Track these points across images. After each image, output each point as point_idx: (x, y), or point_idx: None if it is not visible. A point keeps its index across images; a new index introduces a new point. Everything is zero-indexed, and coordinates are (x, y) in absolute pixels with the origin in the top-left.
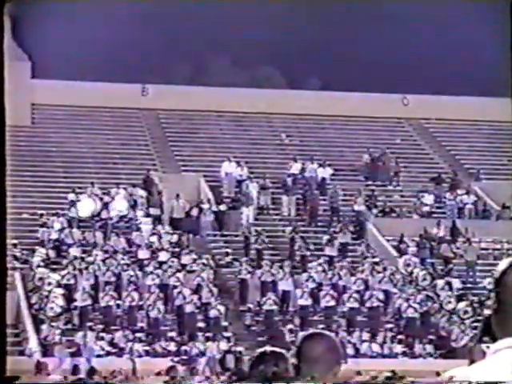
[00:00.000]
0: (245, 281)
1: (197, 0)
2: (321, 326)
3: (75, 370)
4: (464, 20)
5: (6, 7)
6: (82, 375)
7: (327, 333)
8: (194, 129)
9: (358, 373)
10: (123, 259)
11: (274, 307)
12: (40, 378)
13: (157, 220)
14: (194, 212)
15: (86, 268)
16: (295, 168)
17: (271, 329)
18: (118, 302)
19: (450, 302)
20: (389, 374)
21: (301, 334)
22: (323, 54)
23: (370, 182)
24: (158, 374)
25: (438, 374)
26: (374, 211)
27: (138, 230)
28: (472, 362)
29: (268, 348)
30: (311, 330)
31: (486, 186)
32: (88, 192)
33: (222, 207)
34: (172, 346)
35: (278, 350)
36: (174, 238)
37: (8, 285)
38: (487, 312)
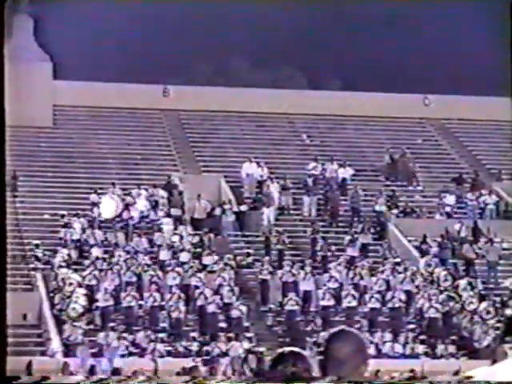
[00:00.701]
0: (266, 281)
1: (218, 1)
2: (342, 326)
3: (92, 370)
4: (482, 20)
5: (26, 8)
6: (100, 375)
7: (354, 331)
8: (215, 129)
9: (378, 372)
10: (144, 259)
11: (296, 307)
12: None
13: (178, 220)
14: (216, 212)
15: (108, 268)
16: (316, 168)
17: (293, 329)
18: (140, 302)
19: (471, 303)
20: (410, 374)
21: (327, 333)
22: (344, 54)
23: (391, 183)
24: (179, 373)
25: (456, 373)
26: (396, 211)
27: (160, 230)
28: (494, 362)
29: (287, 348)
30: (338, 328)
31: (507, 186)
32: (109, 193)
33: (243, 208)
34: (194, 346)
35: (297, 350)
36: (196, 238)
37: (30, 285)
38: (509, 312)
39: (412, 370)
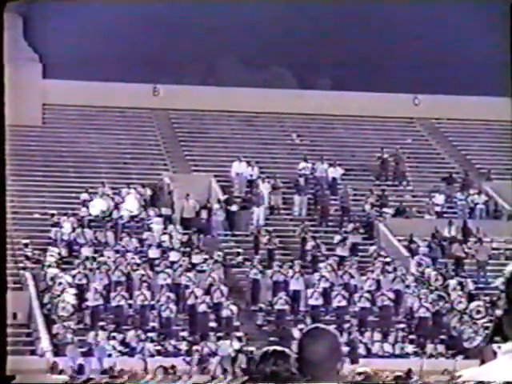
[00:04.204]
0: (256, 281)
1: (208, 1)
2: (332, 325)
3: (81, 370)
4: (474, 19)
5: (16, 7)
6: (88, 375)
7: (328, 328)
8: (205, 129)
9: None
10: (134, 259)
11: (286, 307)
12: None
13: (168, 220)
14: (205, 212)
15: (98, 268)
16: (306, 168)
17: (282, 328)
18: (130, 301)
19: (461, 302)
20: (400, 374)
21: (300, 334)
22: (334, 54)
23: (381, 182)
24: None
25: (444, 371)
26: (386, 211)
27: (149, 229)
28: (483, 362)
29: (270, 347)
30: (311, 326)
31: (497, 186)
32: (99, 192)
33: (233, 207)
34: (183, 346)
35: (280, 348)
36: (185, 237)
37: (20, 284)
38: (498, 312)
39: (409, 370)
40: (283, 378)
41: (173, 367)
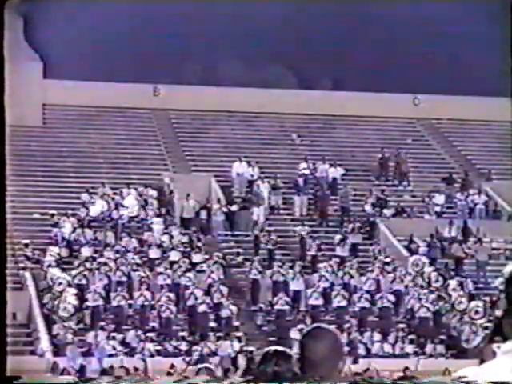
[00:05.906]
0: (256, 281)
1: (209, 0)
2: (332, 325)
3: (82, 370)
4: (474, 19)
5: (16, 7)
6: (90, 375)
7: (329, 328)
8: (205, 129)
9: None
10: (133, 259)
11: (286, 307)
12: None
13: (168, 220)
14: (205, 212)
15: (98, 268)
16: (306, 168)
17: (282, 329)
18: (130, 301)
19: (461, 302)
20: (401, 374)
21: (300, 335)
22: (334, 54)
23: (381, 182)
24: (170, 373)
25: (445, 371)
26: (385, 211)
27: (150, 229)
28: (482, 361)
29: (272, 347)
30: (312, 326)
31: (497, 186)
32: (99, 192)
33: (233, 207)
34: (183, 346)
35: (281, 349)
36: (185, 237)
37: (20, 284)
38: (498, 312)
39: (406, 368)
40: (285, 378)
41: (172, 366)
